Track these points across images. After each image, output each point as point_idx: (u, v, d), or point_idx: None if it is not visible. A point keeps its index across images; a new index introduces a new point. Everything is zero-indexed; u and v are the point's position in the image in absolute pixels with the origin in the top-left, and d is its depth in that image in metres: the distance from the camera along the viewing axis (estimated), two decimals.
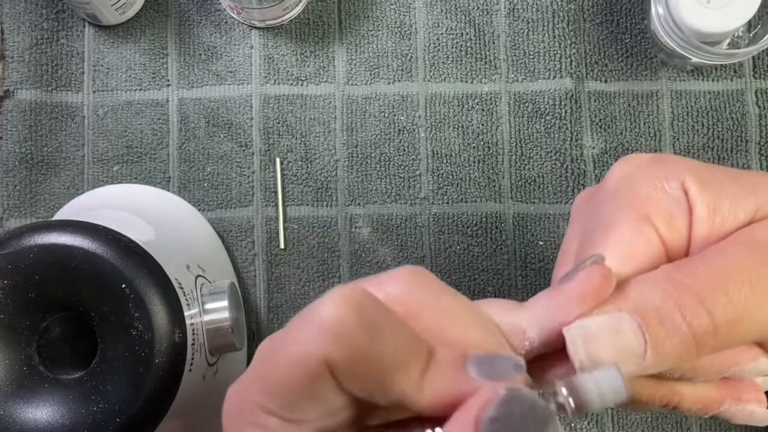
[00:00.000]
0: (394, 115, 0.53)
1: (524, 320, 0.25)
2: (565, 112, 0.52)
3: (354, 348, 0.21)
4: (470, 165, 0.53)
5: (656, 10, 0.49)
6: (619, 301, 0.24)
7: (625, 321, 0.24)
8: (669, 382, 0.27)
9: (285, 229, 0.52)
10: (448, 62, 0.54)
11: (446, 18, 0.54)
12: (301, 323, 0.22)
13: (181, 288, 0.40)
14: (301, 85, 0.54)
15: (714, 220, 0.26)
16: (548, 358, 0.26)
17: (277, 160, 0.53)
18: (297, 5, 0.53)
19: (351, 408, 0.23)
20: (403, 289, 0.24)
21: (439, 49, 0.54)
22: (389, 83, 0.53)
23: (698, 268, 0.24)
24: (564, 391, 0.22)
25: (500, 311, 0.25)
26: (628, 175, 0.28)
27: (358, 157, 0.53)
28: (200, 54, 0.54)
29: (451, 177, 0.53)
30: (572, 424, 0.51)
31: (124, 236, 0.39)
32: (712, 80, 0.53)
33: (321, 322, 0.22)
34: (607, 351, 0.23)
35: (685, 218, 0.26)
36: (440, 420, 0.22)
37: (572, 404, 0.22)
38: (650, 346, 0.23)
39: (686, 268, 0.25)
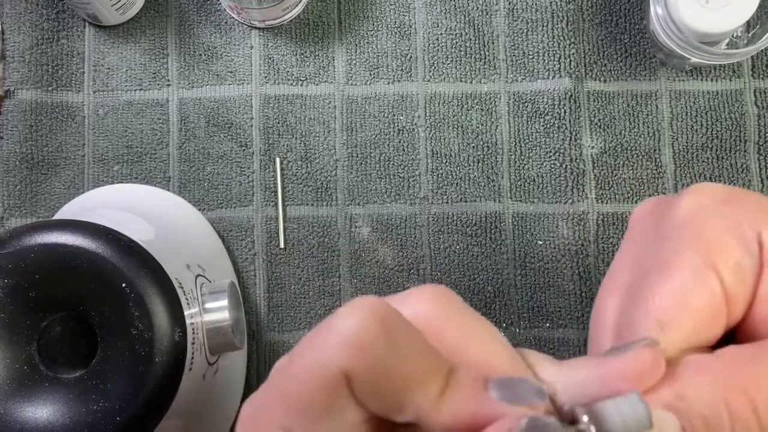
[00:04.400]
0: (394, 115, 0.53)
1: (559, 382, 0.23)
2: (565, 112, 0.52)
3: (373, 359, 0.21)
4: (470, 165, 0.53)
5: (655, 10, 0.49)
6: (668, 392, 0.22)
7: (670, 422, 0.22)
8: None
9: (285, 228, 0.53)
10: (448, 62, 0.54)
11: (446, 18, 0.54)
12: (319, 335, 0.22)
13: (181, 287, 0.40)
14: (301, 85, 0.54)
15: None
16: None
17: (277, 159, 0.53)
18: (297, 5, 0.53)
19: (367, 426, 0.22)
20: (427, 307, 0.23)
21: (438, 49, 0.54)
22: (389, 83, 0.54)
23: None
24: (585, 418, 0.22)
25: (535, 364, 0.24)
26: (700, 211, 0.25)
27: (357, 157, 0.53)
28: (200, 54, 0.54)
29: (450, 177, 0.53)
30: None
31: (125, 236, 0.39)
32: (711, 80, 0.53)
33: (340, 333, 0.21)
34: None
35: (754, 273, 0.24)
36: None
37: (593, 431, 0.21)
38: None
39: (755, 372, 0.22)
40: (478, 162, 0.53)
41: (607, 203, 0.52)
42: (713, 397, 0.22)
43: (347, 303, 0.22)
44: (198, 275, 0.45)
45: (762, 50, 0.51)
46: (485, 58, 0.54)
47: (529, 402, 0.21)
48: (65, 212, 0.51)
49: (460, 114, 0.53)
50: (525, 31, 0.53)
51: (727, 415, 0.22)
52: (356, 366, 0.21)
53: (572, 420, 0.22)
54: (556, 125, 0.53)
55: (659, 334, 0.23)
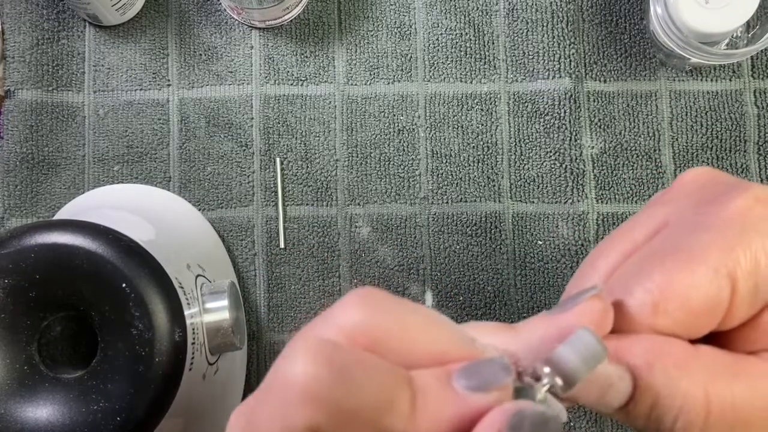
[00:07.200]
0: (394, 115, 0.53)
1: (519, 349, 0.23)
2: (564, 112, 0.52)
3: (336, 406, 0.20)
4: (469, 165, 0.53)
5: (655, 10, 0.49)
6: (640, 356, 0.23)
7: (624, 381, 0.23)
8: None
9: (285, 228, 0.53)
10: (448, 62, 0.54)
11: (446, 18, 0.54)
12: (272, 391, 0.21)
13: (182, 287, 0.40)
14: (301, 85, 0.54)
15: None
16: None
17: (277, 159, 0.53)
18: (297, 5, 0.53)
19: None
20: (357, 318, 0.22)
21: (438, 50, 0.54)
22: (389, 83, 0.54)
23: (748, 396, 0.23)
24: (546, 369, 0.22)
25: (488, 334, 0.24)
26: (749, 219, 0.24)
27: (357, 157, 0.53)
28: (200, 54, 0.54)
29: (450, 177, 0.53)
30: (571, 423, 0.51)
31: (125, 236, 0.39)
32: (711, 80, 0.53)
33: (294, 387, 0.20)
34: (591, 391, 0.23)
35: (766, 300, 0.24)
36: None
37: (560, 381, 0.22)
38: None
39: (722, 384, 0.23)
40: (478, 162, 0.53)
41: (607, 203, 0.52)
42: (677, 383, 0.23)
43: (287, 348, 0.21)
44: (198, 275, 0.45)
45: (762, 50, 0.51)
46: (485, 58, 0.54)
47: (498, 383, 0.21)
48: (65, 212, 0.51)
49: (460, 114, 0.53)
50: (525, 31, 0.53)
51: (680, 404, 0.22)
52: (321, 419, 0.20)
53: (537, 378, 0.22)
54: (556, 125, 0.53)
55: (649, 315, 0.23)
